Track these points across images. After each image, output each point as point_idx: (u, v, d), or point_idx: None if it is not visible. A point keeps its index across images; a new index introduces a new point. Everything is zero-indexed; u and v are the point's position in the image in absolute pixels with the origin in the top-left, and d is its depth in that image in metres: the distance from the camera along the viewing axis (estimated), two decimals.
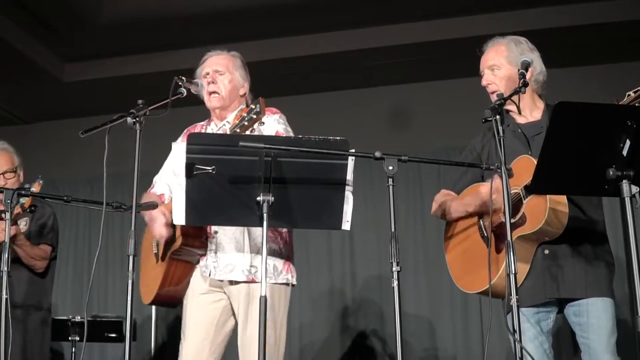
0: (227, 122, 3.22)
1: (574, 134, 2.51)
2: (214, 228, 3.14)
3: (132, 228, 2.71)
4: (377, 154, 2.61)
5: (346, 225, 2.75)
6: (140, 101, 2.83)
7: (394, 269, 2.55)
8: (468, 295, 3.14)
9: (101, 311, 6.04)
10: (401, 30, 6.12)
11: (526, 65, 2.94)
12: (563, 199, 2.85)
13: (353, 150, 2.64)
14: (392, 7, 5.86)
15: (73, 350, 5.03)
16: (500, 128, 2.63)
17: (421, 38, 6.11)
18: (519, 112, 2.99)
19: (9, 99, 7.05)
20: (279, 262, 3.15)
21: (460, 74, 5.93)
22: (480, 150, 3.20)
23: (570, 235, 2.89)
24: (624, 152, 2.48)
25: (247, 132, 2.98)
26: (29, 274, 4.07)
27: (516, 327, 2.51)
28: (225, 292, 3.15)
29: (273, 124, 3.18)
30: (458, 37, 5.86)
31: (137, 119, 2.78)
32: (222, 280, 3.13)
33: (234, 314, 3.16)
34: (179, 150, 2.66)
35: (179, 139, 3.12)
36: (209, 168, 2.63)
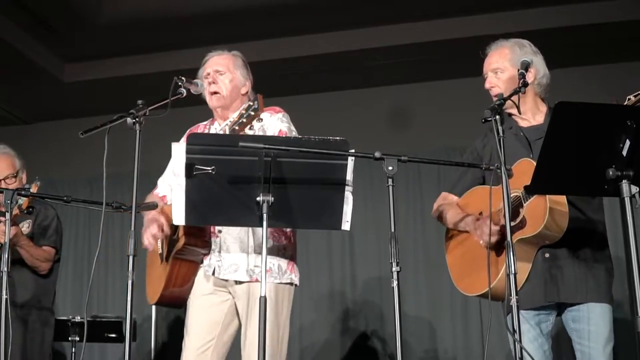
0: (230, 121, 3.22)
1: (573, 134, 2.51)
2: (217, 227, 3.14)
3: (132, 228, 2.71)
4: (377, 154, 2.61)
5: (346, 226, 2.75)
6: (140, 101, 2.83)
7: (393, 269, 2.55)
8: (468, 296, 3.14)
9: (101, 311, 6.04)
10: (401, 30, 6.12)
11: (526, 65, 2.93)
12: (563, 202, 2.84)
13: (353, 151, 2.64)
14: (392, 7, 5.86)
15: (73, 350, 5.03)
16: (500, 128, 2.63)
17: (421, 38, 6.11)
18: (519, 112, 2.98)
19: (9, 99, 7.05)
20: (284, 262, 3.15)
21: (460, 74, 5.96)
22: (482, 150, 3.19)
23: (570, 239, 2.89)
24: (624, 152, 2.47)
25: (247, 129, 2.98)
26: (32, 275, 4.07)
27: (516, 328, 2.51)
28: (230, 292, 3.15)
29: (276, 123, 3.18)
30: (458, 37, 5.87)
31: (137, 119, 2.78)
32: (226, 280, 3.13)
33: (238, 314, 3.16)
34: (178, 150, 2.66)
35: (182, 139, 3.13)
36: (209, 168, 2.63)
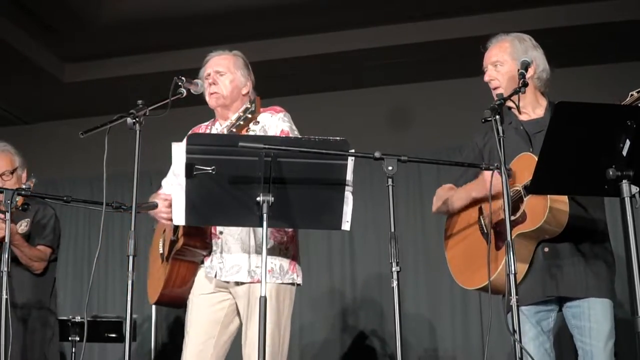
0: (229, 123, 3.22)
1: (573, 134, 2.51)
2: (219, 228, 3.14)
3: (132, 228, 2.71)
4: (377, 154, 2.61)
5: (346, 226, 2.75)
6: (140, 101, 2.83)
7: (393, 269, 2.55)
8: (468, 295, 3.15)
9: (101, 311, 6.04)
10: (401, 30, 6.12)
11: (525, 66, 2.94)
12: (564, 197, 2.84)
13: (353, 151, 2.64)
14: (392, 7, 5.86)
15: (73, 350, 5.03)
16: (500, 128, 2.63)
17: (421, 38, 6.11)
18: (519, 112, 3.00)
19: (9, 99, 7.05)
20: (285, 262, 3.15)
21: (460, 74, 5.96)
22: (482, 148, 3.20)
23: (570, 233, 2.89)
24: (624, 152, 2.48)
25: (244, 132, 2.98)
26: (29, 274, 4.07)
27: (516, 327, 2.51)
28: (231, 293, 3.15)
29: (278, 123, 3.18)
30: (458, 37, 5.86)
31: (137, 119, 2.78)
32: (228, 282, 3.12)
33: (238, 314, 3.16)
34: (178, 150, 2.66)
35: (185, 140, 3.13)
36: (209, 168, 2.63)
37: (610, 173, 2.49)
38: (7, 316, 3.19)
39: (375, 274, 6.27)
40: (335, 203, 2.71)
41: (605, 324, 2.90)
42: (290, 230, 3.18)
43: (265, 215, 2.60)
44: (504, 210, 2.60)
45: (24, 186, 3.74)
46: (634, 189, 2.48)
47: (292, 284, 3.17)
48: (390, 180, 2.60)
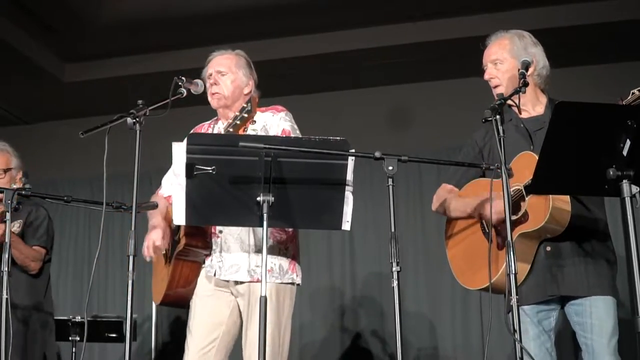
0: (227, 123, 3.22)
1: (574, 134, 2.51)
2: (218, 227, 3.14)
3: (132, 228, 2.71)
4: (377, 154, 2.61)
5: (346, 226, 2.75)
6: (140, 101, 2.83)
7: (393, 269, 2.55)
8: (468, 294, 3.15)
9: (101, 311, 6.04)
10: (400, 30, 6.12)
11: (526, 65, 2.94)
12: (566, 196, 2.84)
13: (353, 151, 2.64)
14: (391, 6, 5.86)
15: (73, 350, 5.03)
16: (500, 128, 2.63)
17: (421, 38, 6.11)
18: (519, 112, 2.99)
19: (9, 99, 7.05)
20: (285, 262, 3.15)
21: (460, 74, 5.96)
22: (482, 147, 3.19)
23: (572, 232, 2.89)
24: (624, 152, 2.48)
25: (241, 131, 2.98)
26: (26, 276, 4.07)
27: (517, 327, 2.51)
28: (232, 292, 3.15)
29: (279, 122, 3.18)
30: (458, 37, 5.86)
31: (137, 119, 2.78)
32: (227, 281, 3.12)
33: (241, 314, 3.16)
34: (178, 150, 2.66)
35: (185, 139, 3.14)
36: (209, 168, 2.63)
37: (611, 173, 2.49)
38: (7, 316, 3.19)
39: (376, 273, 6.27)
40: (335, 203, 2.71)
41: (608, 320, 2.89)
42: (290, 229, 3.18)
43: (265, 215, 2.60)
44: (505, 209, 2.60)
45: (26, 186, 3.74)
46: (634, 188, 2.48)
47: (292, 283, 3.17)
48: (390, 180, 2.60)
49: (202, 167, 2.62)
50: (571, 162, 2.55)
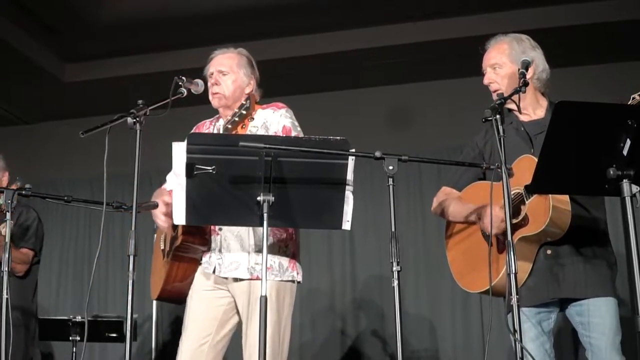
0: (227, 119, 3.22)
1: (574, 134, 2.51)
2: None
3: (132, 228, 2.71)
4: (377, 154, 2.61)
5: (346, 225, 2.75)
6: (140, 101, 2.83)
7: (394, 268, 2.55)
8: (468, 295, 3.15)
9: (101, 311, 6.05)
10: (400, 30, 6.12)
11: (526, 65, 2.94)
12: (566, 199, 2.84)
13: (353, 150, 2.65)
14: (391, 7, 5.86)
15: (74, 350, 5.04)
16: (500, 128, 2.63)
17: (420, 38, 6.11)
18: (520, 112, 2.99)
19: (9, 99, 7.06)
20: (285, 260, 3.14)
21: (460, 74, 5.96)
22: (483, 148, 3.19)
23: (572, 235, 2.89)
24: (624, 152, 2.48)
25: (239, 129, 2.99)
26: (14, 278, 4.05)
27: (517, 327, 2.51)
28: (229, 290, 3.15)
29: (280, 119, 3.18)
30: (457, 37, 5.87)
31: (137, 119, 2.78)
32: (226, 278, 3.13)
33: (237, 311, 3.16)
34: (179, 149, 2.66)
35: (185, 139, 3.14)
36: (209, 168, 2.63)
37: (611, 172, 2.49)
38: (7, 316, 3.19)
39: (376, 273, 6.27)
40: (335, 203, 2.71)
41: (610, 320, 2.89)
42: (290, 228, 3.18)
43: (265, 215, 2.60)
44: (504, 209, 2.59)
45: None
46: (635, 188, 2.48)
47: (292, 281, 3.17)
48: (390, 180, 2.61)
49: (202, 167, 2.63)
50: (571, 162, 2.54)
